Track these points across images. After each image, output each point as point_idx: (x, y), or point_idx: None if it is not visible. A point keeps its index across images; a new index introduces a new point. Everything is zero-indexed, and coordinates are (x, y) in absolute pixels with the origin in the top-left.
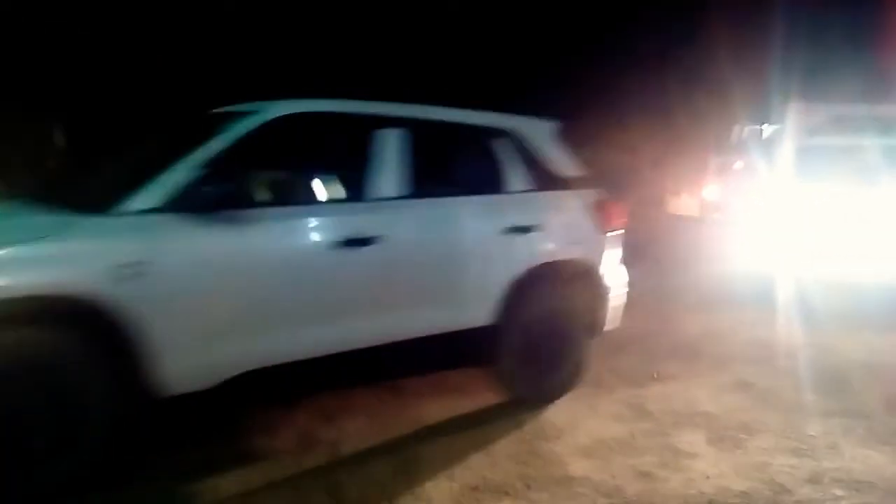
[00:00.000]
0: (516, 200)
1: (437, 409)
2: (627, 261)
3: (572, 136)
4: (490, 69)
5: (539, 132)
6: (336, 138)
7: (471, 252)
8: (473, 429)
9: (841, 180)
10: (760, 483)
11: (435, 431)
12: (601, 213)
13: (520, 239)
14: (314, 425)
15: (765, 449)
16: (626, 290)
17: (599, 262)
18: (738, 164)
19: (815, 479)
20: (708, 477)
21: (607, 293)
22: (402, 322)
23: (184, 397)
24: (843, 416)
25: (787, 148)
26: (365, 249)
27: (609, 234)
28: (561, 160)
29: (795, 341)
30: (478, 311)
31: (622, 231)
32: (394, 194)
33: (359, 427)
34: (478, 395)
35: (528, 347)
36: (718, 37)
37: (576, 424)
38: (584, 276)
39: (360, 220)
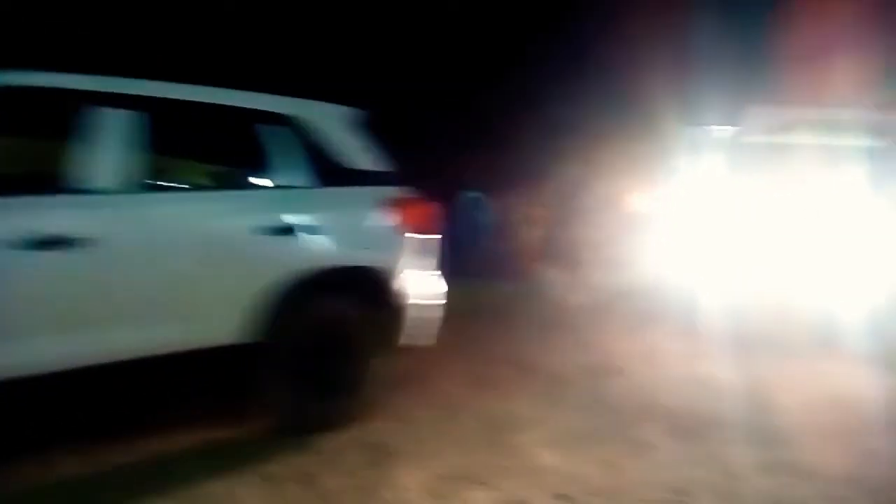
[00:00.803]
0: (280, 197)
1: (406, 401)
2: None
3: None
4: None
5: (330, 120)
6: (44, 118)
7: (211, 257)
8: (444, 421)
9: (780, 185)
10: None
11: (406, 422)
12: (401, 214)
13: (282, 241)
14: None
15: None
16: (442, 301)
17: (397, 269)
18: (680, 168)
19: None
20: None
21: (407, 304)
22: (118, 340)
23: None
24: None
25: (726, 150)
26: (64, 252)
27: (412, 238)
28: (355, 153)
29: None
30: (223, 326)
31: (434, 235)
32: (112, 187)
33: None
34: (445, 386)
35: (300, 368)
36: (671, 38)
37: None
38: (374, 285)
39: (59, 217)
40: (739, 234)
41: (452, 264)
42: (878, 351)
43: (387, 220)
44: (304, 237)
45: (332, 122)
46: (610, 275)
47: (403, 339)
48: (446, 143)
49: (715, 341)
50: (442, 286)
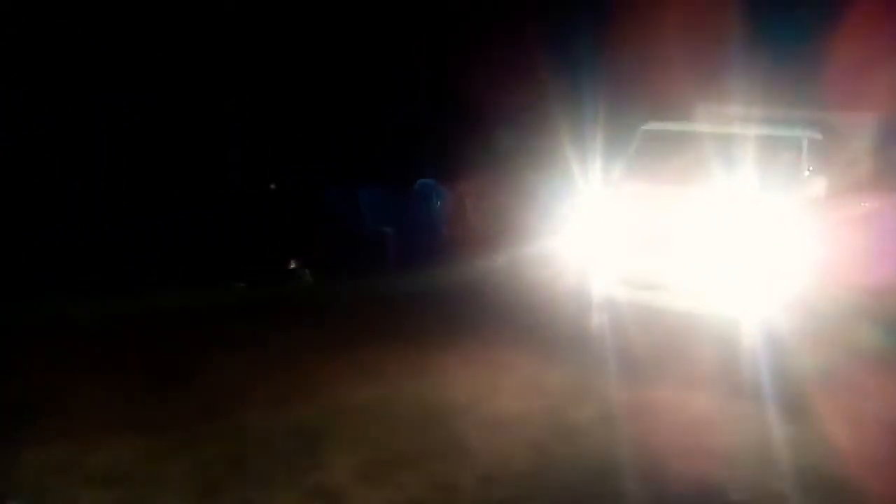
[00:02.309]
0: None
1: (345, 388)
2: None
3: None
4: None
5: None
6: None
7: None
8: (380, 406)
9: (681, 175)
10: None
11: (341, 409)
12: None
13: None
14: (219, 399)
15: None
16: None
17: None
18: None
19: None
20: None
21: None
22: None
23: None
24: None
25: (637, 141)
26: None
27: None
28: None
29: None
30: None
31: None
32: None
33: (265, 403)
34: (388, 375)
35: None
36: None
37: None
38: None
39: None
40: (636, 228)
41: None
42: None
43: None
44: None
45: None
46: (531, 267)
47: None
48: (403, 131)
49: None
50: None
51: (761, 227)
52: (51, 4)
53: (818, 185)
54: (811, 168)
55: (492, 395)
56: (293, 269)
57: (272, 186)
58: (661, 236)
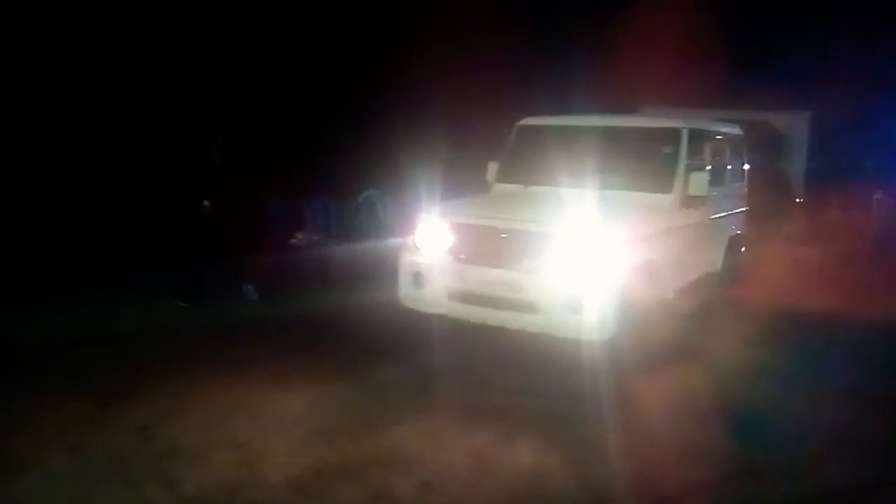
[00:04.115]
0: None
1: (280, 398)
2: None
3: None
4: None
5: None
6: None
7: None
8: (315, 417)
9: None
10: None
11: (277, 421)
12: None
13: None
14: (154, 418)
15: None
16: None
17: None
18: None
19: None
20: None
21: None
22: None
23: None
24: None
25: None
26: None
27: None
28: None
29: None
30: None
31: None
32: None
33: (200, 420)
34: (320, 384)
35: None
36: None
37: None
38: None
39: None
40: (468, 238)
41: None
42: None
43: None
44: None
45: None
46: None
47: None
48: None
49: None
50: None
51: (596, 242)
52: None
53: (695, 183)
54: (691, 162)
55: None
56: (238, 286)
57: (205, 203)
58: (494, 248)
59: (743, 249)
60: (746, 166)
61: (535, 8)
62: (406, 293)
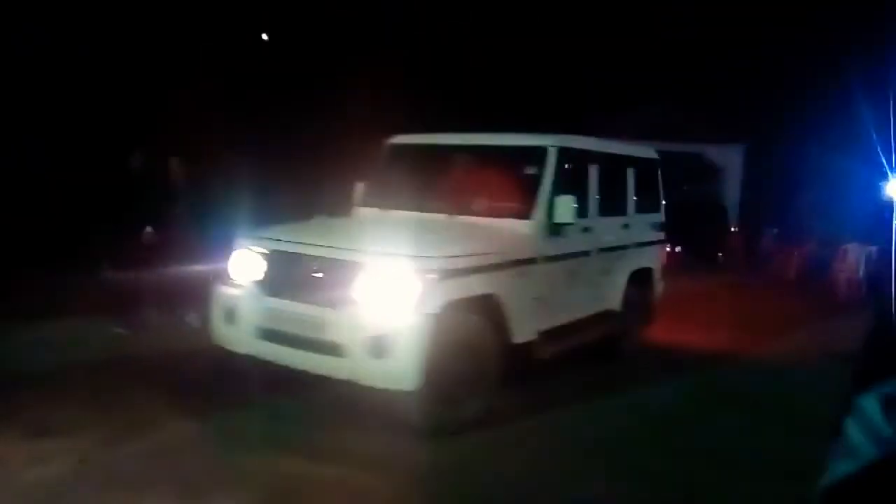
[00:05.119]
0: None
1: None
2: None
3: None
4: None
5: None
6: None
7: None
8: None
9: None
10: None
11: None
12: None
13: None
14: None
15: None
16: None
17: None
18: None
19: None
20: None
21: None
22: None
23: None
24: None
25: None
26: None
27: None
28: None
29: None
30: None
31: None
32: None
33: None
34: None
35: None
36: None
37: None
38: None
39: None
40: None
41: None
42: None
43: None
44: None
45: None
46: None
47: None
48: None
49: None
50: None
51: (404, 272)
52: None
53: (562, 208)
54: (559, 186)
55: None
56: (179, 314)
57: (148, 230)
58: (300, 278)
59: (658, 284)
60: (661, 193)
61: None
62: (217, 328)
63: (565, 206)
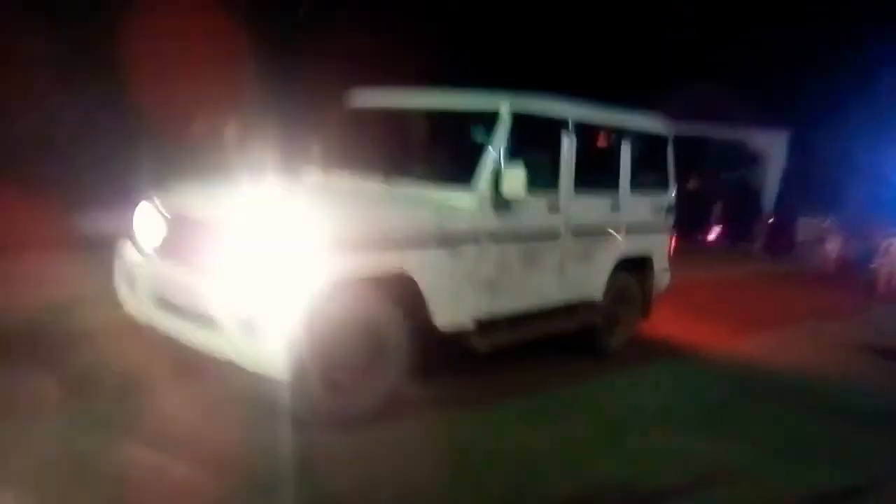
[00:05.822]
0: None
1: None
2: None
3: None
4: None
5: None
6: None
7: None
8: None
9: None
10: None
11: None
12: None
13: None
14: None
15: None
16: None
17: None
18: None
19: None
20: None
21: None
22: None
23: None
24: None
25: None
26: None
27: None
28: None
29: None
30: None
31: None
32: None
33: None
34: None
35: None
36: None
37: None
38: None
39: None
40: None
41: None
42: None
43: None
44: None
45: None
46: None
47: None
48: None
49: None
50: None
51: (285, 239)
52: None
53: (510, 180)
54: (510, 154)
55: None
56: None
57: None
58: (186, 241)
59: (662, 274)
60: (671, 174)
61: None
62: (122, 295)
63: (515, 178)
